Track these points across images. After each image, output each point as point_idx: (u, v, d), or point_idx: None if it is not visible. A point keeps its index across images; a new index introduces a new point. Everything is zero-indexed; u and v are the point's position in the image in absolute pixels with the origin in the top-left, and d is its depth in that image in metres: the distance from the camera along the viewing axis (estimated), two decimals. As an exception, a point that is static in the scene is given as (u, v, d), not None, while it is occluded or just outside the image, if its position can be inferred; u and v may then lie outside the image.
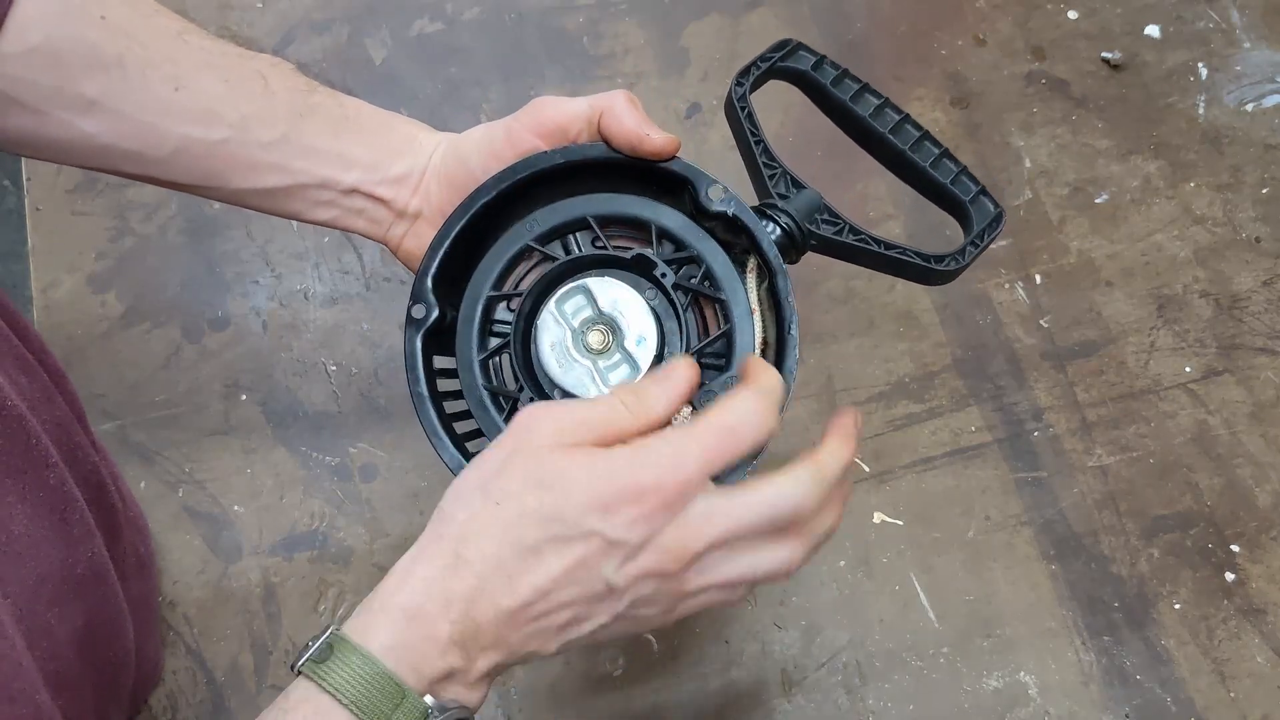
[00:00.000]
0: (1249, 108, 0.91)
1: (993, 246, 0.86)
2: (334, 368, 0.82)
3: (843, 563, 0.76)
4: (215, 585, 0.75)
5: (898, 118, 0.63)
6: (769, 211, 0.59)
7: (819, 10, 0.95)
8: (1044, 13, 0.96)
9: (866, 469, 0.79)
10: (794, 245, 0.59)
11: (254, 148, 0.58)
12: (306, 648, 0.46)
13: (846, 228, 0.59)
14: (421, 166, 0.60)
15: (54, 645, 0.55)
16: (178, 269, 0.85)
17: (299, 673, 0.46)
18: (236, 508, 0.77)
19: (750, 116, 0.61)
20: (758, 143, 0.61)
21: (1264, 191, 0.88)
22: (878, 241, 0.59)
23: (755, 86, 0.62)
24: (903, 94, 0.92)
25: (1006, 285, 0.85)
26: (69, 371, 0.80)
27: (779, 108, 0.90)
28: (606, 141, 0.57)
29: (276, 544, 0.76)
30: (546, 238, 0.58)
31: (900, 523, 0.77)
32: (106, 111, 0.56)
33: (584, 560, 0.46)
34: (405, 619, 0.46)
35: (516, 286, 0.58)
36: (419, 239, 0.62)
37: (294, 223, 0.87)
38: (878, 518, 0.77)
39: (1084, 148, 0.90)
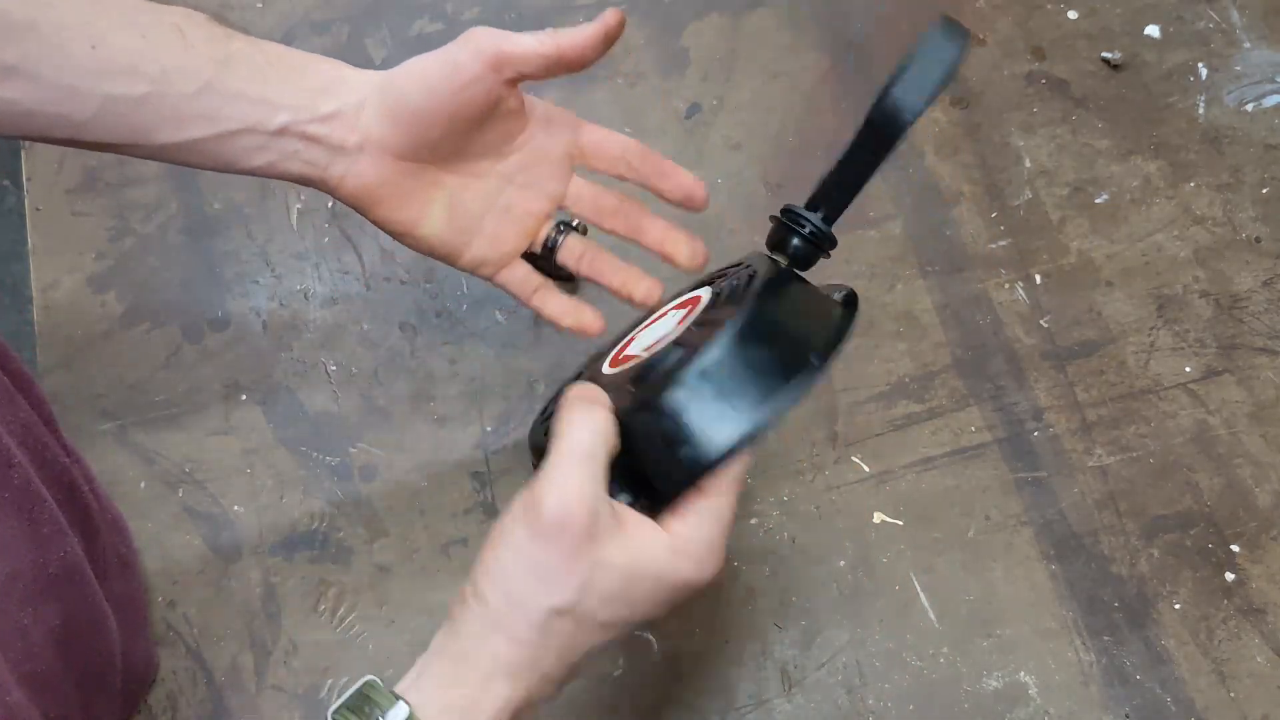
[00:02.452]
0: (1249, 108, 0.91)
1: (992, 246, 0.86)
2: (334, 368, 0.82)
3: (843, 563, 0.76)
4: (215, 585, 0.75)
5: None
6: (797, 213, 0.59)
7: (819, 10, 0.94)
8: (1044, 13, 0.96)
9: (866, 469, 0.79)
10: (820, 244, 0.58)
11: (177, 100, 0.58)
12: (339, 695, 0.49)
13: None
14: (354, 103, 0.60)
15: (29, 645, 0.55)
16: (178, 269, 0.85)
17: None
18: (236, 508, 0.77)
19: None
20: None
21: (1264, 191, 0.88)
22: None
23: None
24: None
25: (1006, 285, 0.85)
26: (69, 372, 0.81)
27: (779, 106, 0.90)
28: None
29: (276, 544, 0.76)
30: None
31: (900, 523, 0.77)
32: (25, 77, 0.55)
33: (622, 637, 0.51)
34: (443, 678, 0.50)
35: None
36: (360, 178, 0.61)
37: (294, 222, 0.87)
38: (878, 518, 0.77)
39: (1084, 148, 0.90)
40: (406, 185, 0.61)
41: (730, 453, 0.49)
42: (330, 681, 0.73)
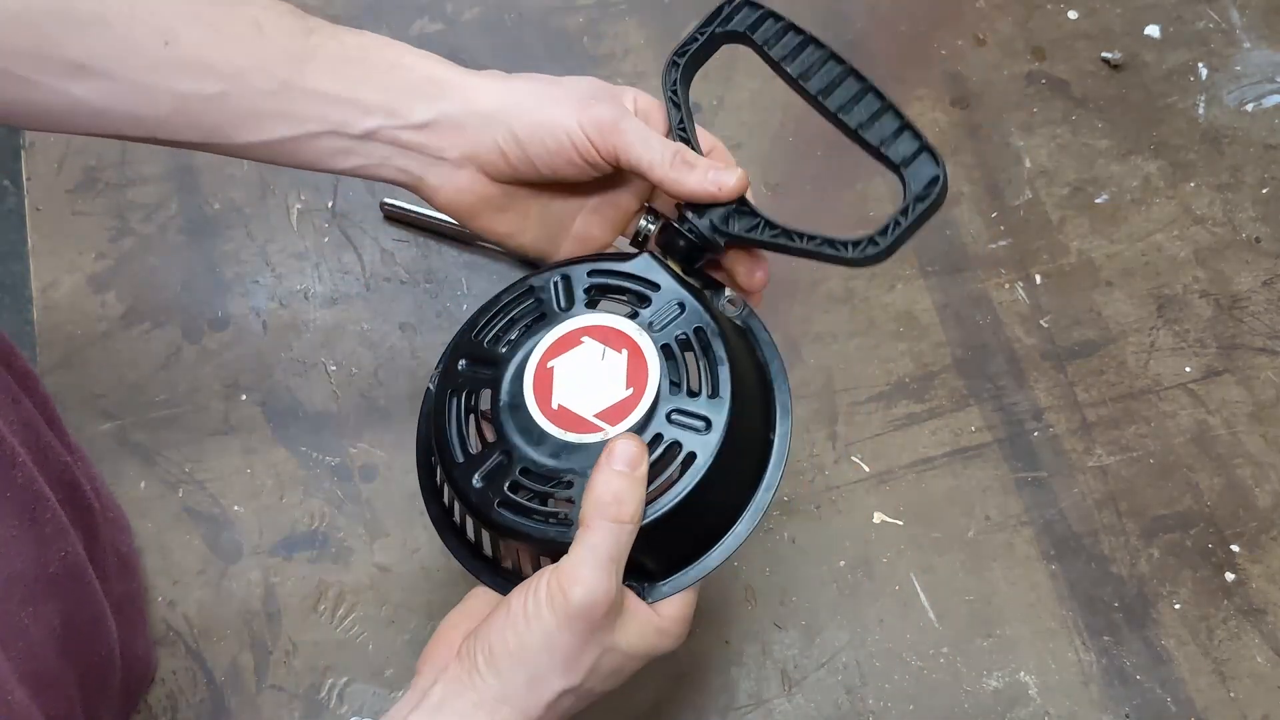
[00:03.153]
0: (1249, 108, 0.91)
1: (992, 246, 0.86)
2: (334, 368, 0.82)
3: (843, 563, 0.76)
4: (215, 585, 0.75)
5: (836, 72, 0.57)
6: (683, 213, 0.57)
7: (819, 10, 0.94)
8: (1044, 13, 0.96)
9: (866, 469, 0.79)
10: (705, 243, 0.57)
11: (254, 98, 0.55)
12: None
13: (763, 224, 0.56)
14: (454, 114, 0.57)
15: (30, 645, 0.54)
16: (178, 269, 0.85)
17: None
18: (236, 508, 0.77)
19: (676, 103, 0.58)
20: (681, 130, 0.57)
21: (1264, 191, 0.88)
22: (794, 235, 0.55)
23: (696, 62, 0.59)
24: (903, 94, 0.91)
25: (1006, 285, 0.85)
26: (69, 372, 0.81)
27: (779, 106, 0.90)
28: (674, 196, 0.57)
29: (276, 544, 0.76)
30: None
31: (900, 523, 0.77)
32: (96, 74, 0.54)
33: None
34: None
35: None
36: (460, 193, 0.59)
37: (294, 222, 0.87)
38: (878, 518, 0.77)
39: (1084, 148, 0.90)
40: (503, 201, 0.60)
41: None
42: (330, 681, 0.73)
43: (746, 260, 0.59)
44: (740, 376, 0.54)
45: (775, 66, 0.58)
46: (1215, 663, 0.73)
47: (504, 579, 0.56)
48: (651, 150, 0.55)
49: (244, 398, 0.81)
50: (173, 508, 0.77)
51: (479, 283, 0.85)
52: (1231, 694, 0.72)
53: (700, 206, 0.57)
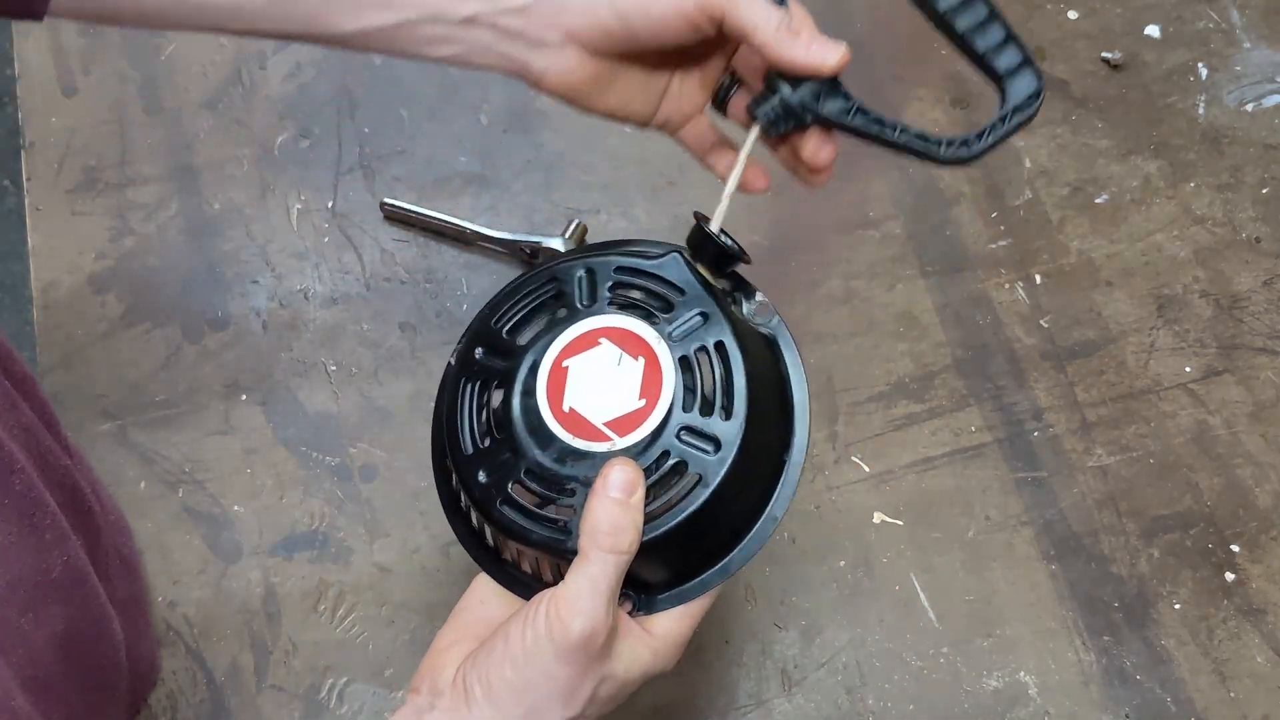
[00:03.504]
0: (1249, 108, 0.91)
1: (992, 246, 0.86)
2: (334, 368, 0.82)
3: (843, 563, 0.76)
4: (215, 585, 0.75)
5: None
6: (772, 81, 0.56)
7: (819, 10, 0.94)
8: (1044, 13, 0.96)
9: (866, 469, 0.79)
10: (792, 116, 0.56)
11: None
12: None
13: (856, 108, 0.55)
14: (551, 1, 0.56)
15: (30, 651, 0.54)
16: (178, 269, 0.85)
17: None
18: (236, 508, 0.77)
19: None
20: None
21: (1264, 191, 0.88)
22: (887, 125, 0.55)
23: None
24: (903, 94, 0.92)
25: (1006, 285, 0.85)
26: (69, 372, 0.81)
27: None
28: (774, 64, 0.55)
29: (276, 544, 0.76)
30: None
31: (900, 523, 0.77)
32: None
33: None
34: None
35: None
36: (567, 75, 0.58)
37: (294, 222, 0.87)
38: (878, 518, 0.77)
39: (1084, 148, 0.90)
40: (609, 76, 0.59)
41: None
42: (330, 681, 0.73)
43: (817, 136, 0.58)
44: (757, 398, 0.52)
45: None
46: (1215, 663, 0.73)
47: (504, 570, 0.56)
48: (756, 13, 0.54)
49: (244, 398, 0.81)
50: (173, 508, 0.77)
51: (479, 283, 0.85)
52: (1231, 694, 0.72)
53: (794, 79, 0.55)
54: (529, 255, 0.84)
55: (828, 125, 0.56)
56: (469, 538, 0.58)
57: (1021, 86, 0.54)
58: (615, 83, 0.59)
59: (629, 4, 0.55)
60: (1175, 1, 0.96)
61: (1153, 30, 0.95)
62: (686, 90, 0.61)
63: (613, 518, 0.50)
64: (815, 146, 0.58)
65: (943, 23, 0.56)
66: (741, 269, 0.58)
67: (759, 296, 0.58)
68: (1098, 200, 0.88)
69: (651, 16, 0.55)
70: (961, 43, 0.56)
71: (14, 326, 0.82)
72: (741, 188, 0.60)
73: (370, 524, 0.77)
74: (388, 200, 0.86)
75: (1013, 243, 0.86)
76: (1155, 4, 0.96)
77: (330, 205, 0.88)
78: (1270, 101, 0.92)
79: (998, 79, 0.55)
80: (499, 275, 0.85)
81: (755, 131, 0.57)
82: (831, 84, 0.55)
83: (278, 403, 0.81)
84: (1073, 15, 0.96)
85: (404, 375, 0.82)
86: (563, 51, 0.57)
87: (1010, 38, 0.55)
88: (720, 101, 0.62)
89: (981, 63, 0.56)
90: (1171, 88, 0.93)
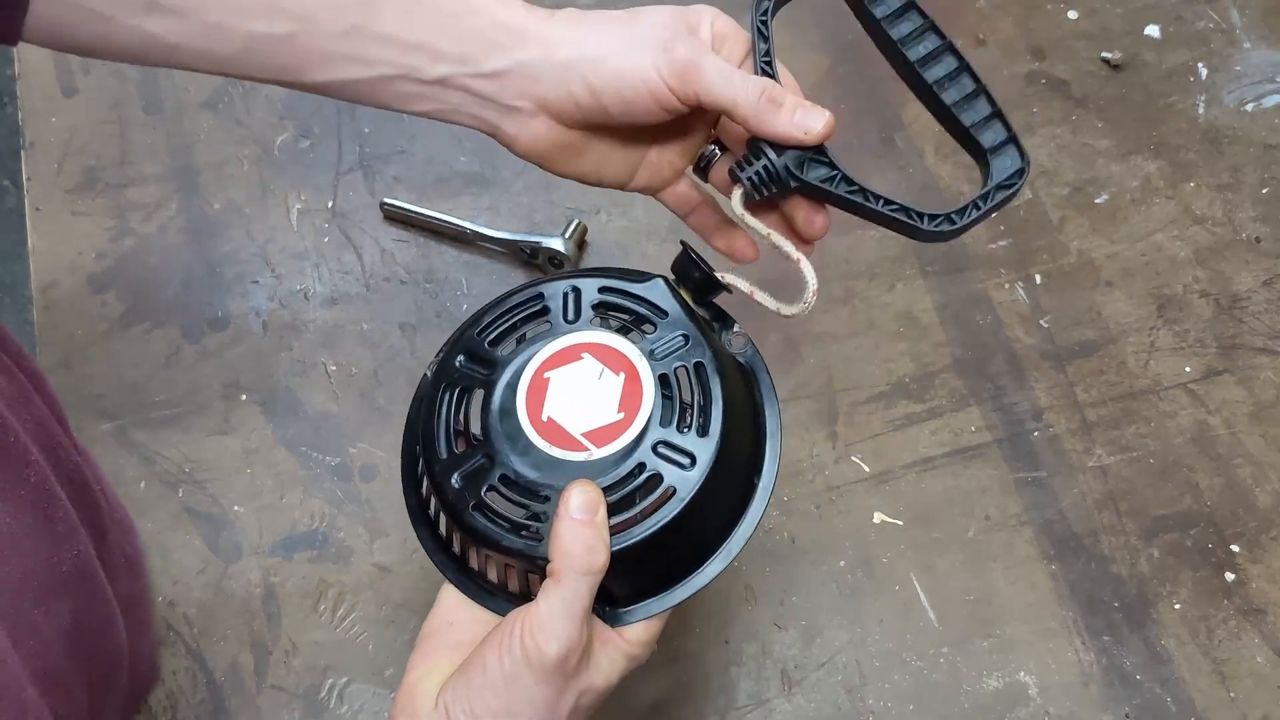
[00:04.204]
0: (1249, 108, 0.91)
1: (992, 246, 0.86)
2: (334, 368, 0.82)
3: (843, 563, 0.76)
4: (215, 585, 0.75)
5: (935, 45, 0.56)
6: (755, 147, 0.55)
7: (819, 10, 0.94)
8: (1044, 13, 0.96)
9: (866, 469, 0.79)
10: (774, 181, 0.55)
11: (323, 39, 0.56)
12: None
13: (839, 177, 0.55)
14: (527, 62, 0.56)
15: (41, 643, 0.54)
16: (178, 269, 0.85)
17: None
18: (236, 508, 0.77)
19: (764, 35, 0.56)
20: (765, 64, 0.56)
21: (1264, 191, 0.88)
22: (869, 195, 0.54)
23: (780, 3, 0.57)
24: (903, 93, 0.91)
25: (1006, 285, 0.85)
26: (69, 372, 0.81)
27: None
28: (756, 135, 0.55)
29: (276, 544, 0.76)
30: None
31: (900, 523, 0.77)
32: (166, 11, 0.55)
33: None
34: None
35: None
36: (537, 141, 0.58)
37: (294, 222, 0.87)
38: (878, 518, 0.77)
39: (1084, 148, 0.90)
40: (581, 145, 0.59)
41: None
42: (330, 681, 0.73)
43: (807, 206, 0.58)
44: (732, 418, 0.53)
45: (872, 25, 0.57)
46: (1215, 663, 0.73)
47: (470, 579, 0.56)
48: (735, 89, 0.54)
49: (244, 398, 0.81)
50: (173, 508, 0.77)
51: (479, 283, 0.85)
52: (1231, 694, 0.72)
53: (779, 146, 0.55)
54: (529, 255, 0.84)
55: (811, 194, 0.56)
56: (435, 545, 0.58)
57: (1005, 164, 0.55)
58: (588, 151, 0.59)
59: (602, 82, 0.55)
60: (1175, 1, 0.96)
61: (1153, 30, 0.95)
62: (665, 158, 0.61)
63: (585, 539, 0.50)
64: (808, 216, 0.58)
65: (928, 93, 0.56)
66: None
67: (737, 328, 0.59)
68: (1098, 200, 0.88)
69: (624, 97, 0.55)
70: (946, 115, 0.56)
71: (14, 326, 0.82)
72: (730, 255, 0.61)
73: (370, 524, 0.77)
74: (387, 200, 0.86)
75: (1013, 243, 0.86)
76: (1155, 4, 0.96)
77: (330, 205, 0.88)
78: (1270, 101, 0.92)
79: (982, 154, 0.55)
80: (499, 275, 0.85)
81: (738, 196, 0.57)
82: (816, 150, 0.55)
83: (278, 403, 0.81)
84: (1073, 15, 0.96)
85: (404, 375, 0.82)
86: (535, 119, 0.58)
87: (996, 113, 0.55)
88: (703, 168, 0.61)
89: (966, 137, 0.56)
90: (1171, 88, 0.93)
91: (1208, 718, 0.71)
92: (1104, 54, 0.93)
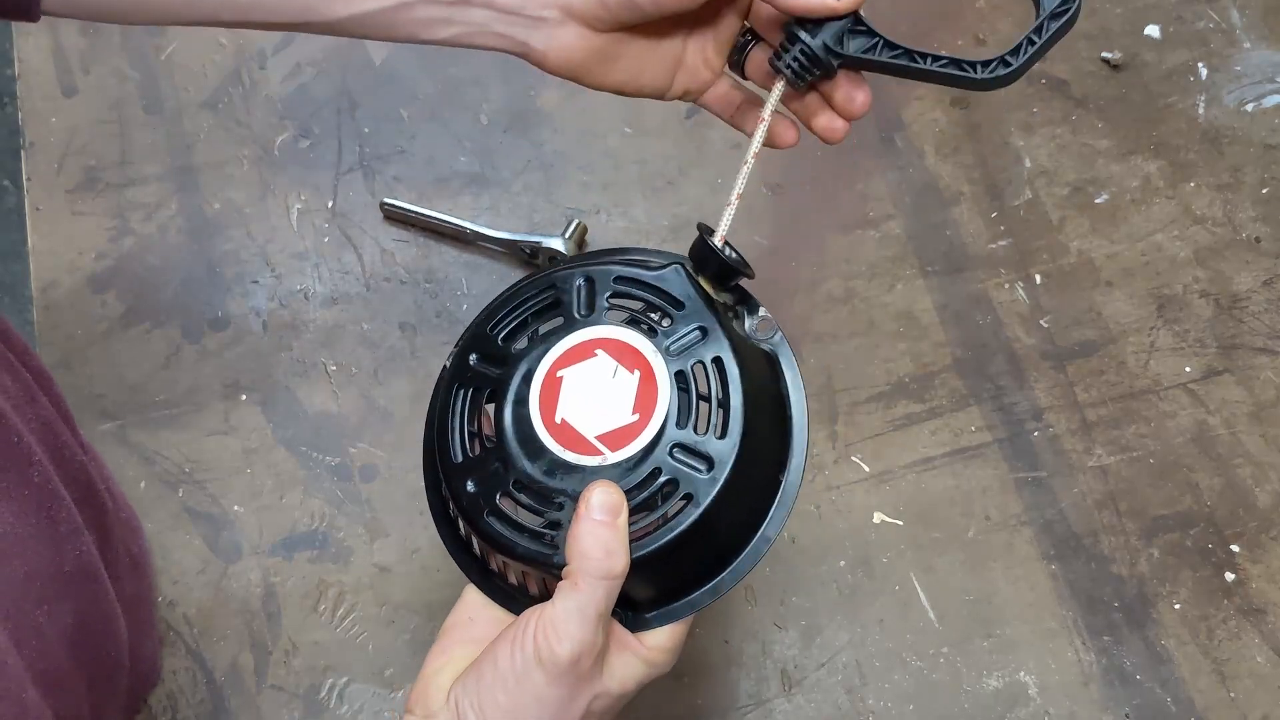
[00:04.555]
0: (1249, 108, 0.91)
1: (992, 246, 0.86)
2: (334, 368, 0.82)
3: (843, 563, 0.76)
4: (215, 585, 0.75)
5: None
6: (790, 31, 0.53)
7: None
8: (1044, 13, 0.96)
9: (866, 469, 0.79)
10: (816, 64, 0.53)
11: None
12: None
13: (881, 44, 0.52)
14: None
15: (43, 644, 0.54)
16: (178, 269, 0.85)
17: None
18: (236, 508, 0.77)
19: None
20: None
21: (1264, 191, 0.88)
22: (916, 55, 0.52)
23: None
24: (903, 94, 0.92)
25: (1006, 285, 0.85)
26: (69, 372, 0.81)
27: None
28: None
29: (276, 544, 0.76)
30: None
31: (900, 523, 0.77)
32: None
33: None
34: None
35: None
36: (568, 52, 0.56)
37: (294, 222, 0.87)
38: (877, 518, 0.77)
39: (1084, 148, 0.90)
40: (613, 51, 0.57)
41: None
42: (330, 681, 0.73)
43: (847, 82, 0.55)
44: (753, 416, 0.51)
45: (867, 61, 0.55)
46: (1215, 663, 0.73)
47: (491, 582, 0.56)
48: None
49: (244, 398, 0.81)
50: (173, 508, 0.77)
51: (479, 282, 0.85)
52: (1231, 694, 0.72)
53: (812, 24, 0.53)
54: (529, 255, 0.84)
55: (856, 66, 0.53)
56: (456, 546, 0.57)
57: None
58: (622, 56, 0.57)
59: None
60: (1175, 1, 0.96)
61: (1152, 30, 0.95)
62: (701, 56, 0.59)
63: (605, 541, 0.49)
64: (847, 93, 0.55)
65: None
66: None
67: (762, 312, 0.57)
68: (1098, 200, 0.88)
69: None
70: None
71: (14, 326, 0.82)
72: (769, 143, 0.58)
73: (370, 524, 0.77)
74: (388, 200, 0.86)
75: (1013, 243, 0.86)
76: (1155, 4, 0.96)
77: (330, 205, 0.88)
78: (1270, 101, 0.92)
79: None
80: (499, 275, 0.85)
81: (779, 88, 0.55)
82: (854, 22, 0.53)
83: (278, 403, 0.81)
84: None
85: (404, 375, 0.82)
86: (563, 28, 0.56)
87: None
88: (737, 62, 0.59)
89: None
90: (1171, 88, 0.92)
91: (1208, 718, 0.71)
92: (1104, 54, 0.93)
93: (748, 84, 0.60)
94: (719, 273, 0.55)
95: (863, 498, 0.78)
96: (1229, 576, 0.75)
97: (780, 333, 0.57)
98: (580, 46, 0.56)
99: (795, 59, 0.53)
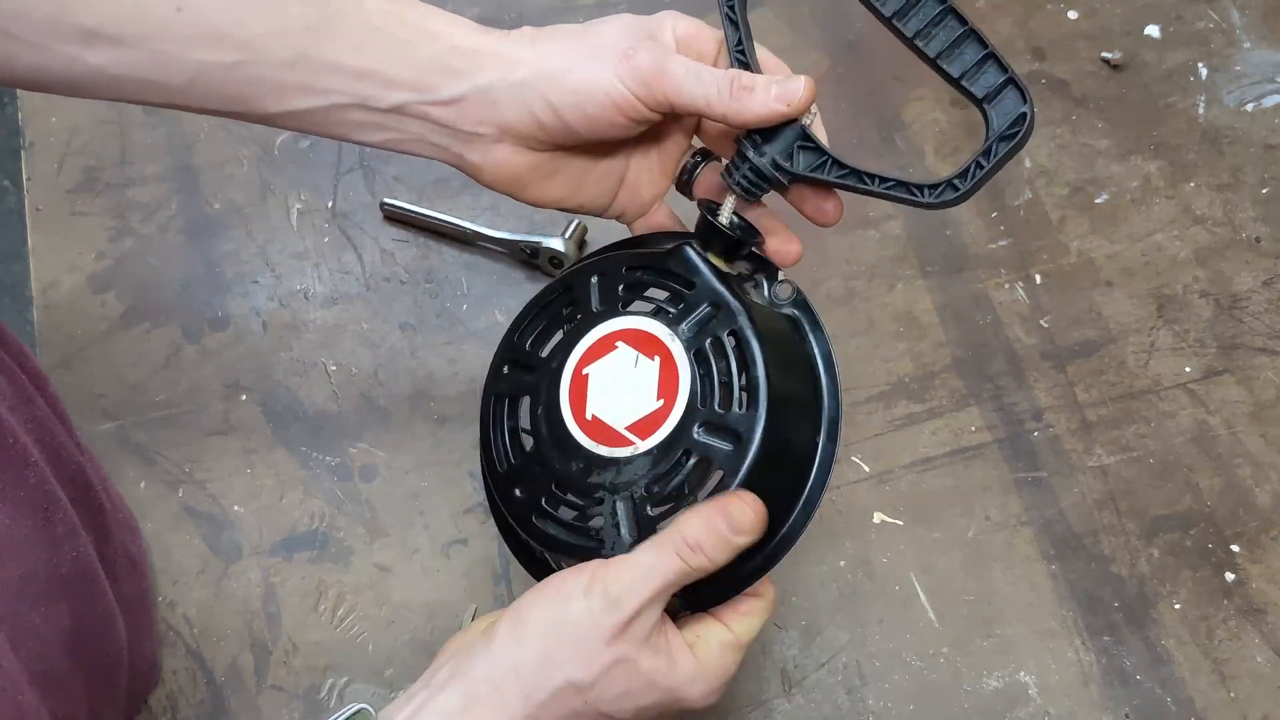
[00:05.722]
0: (1249, 108, 0.91)
1: (992, 246, 0.86)
2: (334, 368, 0.82)
3: (843, 563, 0.76)
4: (215, 585, 0.75)
5: None
6: (739, 148, 0.53)
7: (819, 10, 0.94)
8: (1044, 13, 0.96)
9: (866, 469, 0.79)
10: (765, 180, 0.53)
11: (271, 69, 0.53)
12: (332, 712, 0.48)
13: (830, 162, 0.52)
14: (485, 86, 0.53)
15: (40, 645, 0.54)
16: (178, 269, 0.85)
17: None
18: (236, 508, 0.77)
19: (733, 20, 0.53)
20: (739, 52, 0.53)
21: (1264, 191, 0.88)
22: (864, 177, 0.52)
23: None
24: (903, 94, 0.92)
25: (1006, 285, 0.85)
26: (69, 372, 0.81)
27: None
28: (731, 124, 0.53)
29: (276, 544, 0.76)
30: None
31: (900, 523, 0.77)
32: (108, 40, 0.52)
33: None
34: None
35: None
36: (501, 167, 0.55)
37: (294, 222, 0.87)
38: (878, 518, 0.77)
39: (1084, 148, 0.90)
40: (550, 168, 0.57)
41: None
42: (330, 681, 0.73)
43: (813, 194, 0.55)
44: (778, 384, 0.51)
45: None
46: (1215, 663, 0.73)
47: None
48: (705, 85, 0.51)
49: (244, 398, 0.81)
50: (173, 508, 0.77)
51: (479, 282, 0.85)
52: (1231, 694, 0.72)
53: (760, 141, 0.53)
54: (529, 255, 0.84)
55: (805, 182, 0.54)
56: (520, 551, 0.58)
57: (1007, 109, 0.50)
58: (560, 173, 0.57)
59: (562, 99, 0.53)
60: (1175, 1, 0.96)
61: (1153, 30, 0.95)
62: (646, 175, 0.59)
63: (702, 537, 0.49)
64: (816, 205, 0.56)
65: (913, 46, 0.52)
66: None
67: (781, 275, 0.56)
68: (1098, 200, 0.88)
69: (587, 112, 0.53)
70: (936, 67, 0.52)
71: (14, 326, 0.82)
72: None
73: (370, 524, 0.77)
74: (387, 200, 0.86)
75: (1013, 243, 0.86)
76: (1155, 4, 0.96)
77: (330, 205, 0.88)
78: (1270, 101, 0.92)
79: (978, 103, 0.51)
80: (499, 275, 0.85)
81: (731, 202, 0.55)
82: (804, 139, 0.53)
83: (277, 403, 0.81)
84: (1073, 15, 0.96)
85: (404, 375, 0.82)
86: (498, 145, 0.55)
87: (988, 55, 0.50)
88: (686, 182, 0.59)
89: (959, 87, 0.52)
90: (1171, 88, 0.93)
91: (1208, 717, 0.71)
92: (1104, 54, 0.93)
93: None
94: (727, 246, 0.55)
95: (862, 498, 0.78)
96: (1229, 576, 0.75)
97: (802, 295, 0.56)
98: (516, 163, 0.56)
99: (745, 176, 0.54)
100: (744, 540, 0.50)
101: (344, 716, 0.52)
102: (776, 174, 0.53)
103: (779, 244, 0.57)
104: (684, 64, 0.52)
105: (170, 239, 0.86)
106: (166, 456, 0.79)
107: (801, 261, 0.58)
